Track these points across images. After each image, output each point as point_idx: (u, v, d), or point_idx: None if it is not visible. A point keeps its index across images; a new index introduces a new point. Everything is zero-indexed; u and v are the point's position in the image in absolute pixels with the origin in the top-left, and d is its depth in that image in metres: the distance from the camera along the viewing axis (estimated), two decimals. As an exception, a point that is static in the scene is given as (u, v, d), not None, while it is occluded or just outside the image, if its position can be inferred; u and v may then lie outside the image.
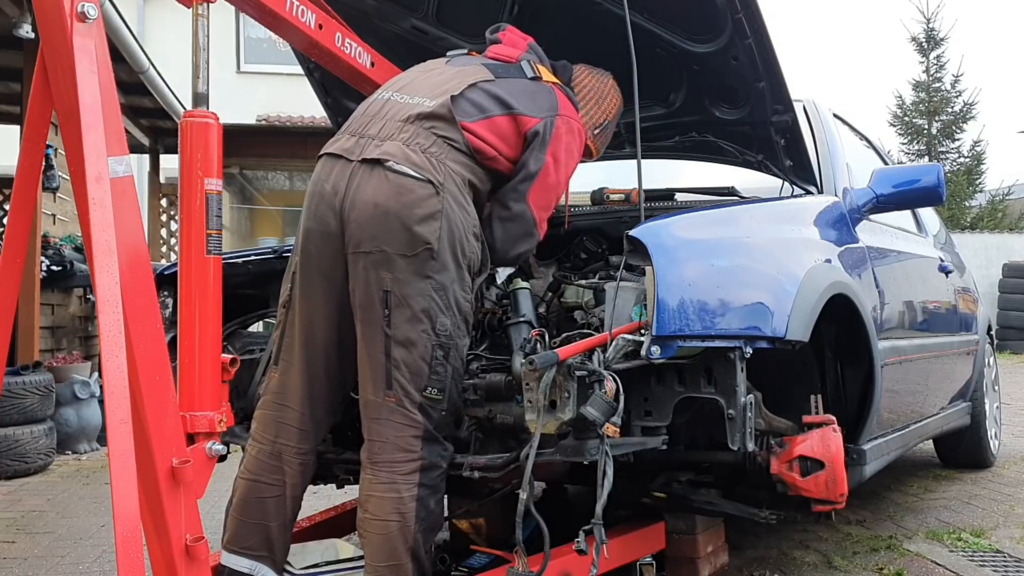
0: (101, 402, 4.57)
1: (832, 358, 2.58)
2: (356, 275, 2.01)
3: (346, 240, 2.01)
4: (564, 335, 2.29)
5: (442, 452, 2.03)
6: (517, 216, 2.19)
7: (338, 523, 2.87)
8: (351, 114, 2.25)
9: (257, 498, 2.12)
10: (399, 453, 1.98)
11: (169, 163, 8.56)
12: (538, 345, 2.05)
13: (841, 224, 2.76)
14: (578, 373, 1.92)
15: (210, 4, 1.85)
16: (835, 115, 3.41)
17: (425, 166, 2.01)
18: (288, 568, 2.42)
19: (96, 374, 5.66)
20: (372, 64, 2.42)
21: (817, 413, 2.17)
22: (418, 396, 1.98)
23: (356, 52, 2.35)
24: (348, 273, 2.03)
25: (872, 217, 3.05)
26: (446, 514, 2.73)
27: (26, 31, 5.12)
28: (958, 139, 17.22)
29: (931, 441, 4.26)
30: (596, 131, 2.49)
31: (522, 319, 2.36)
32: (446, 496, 2.92)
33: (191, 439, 1.70)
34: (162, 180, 9.24)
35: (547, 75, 2.33)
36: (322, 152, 2.13)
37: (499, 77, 2.22)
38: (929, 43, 17.18)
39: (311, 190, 2.11)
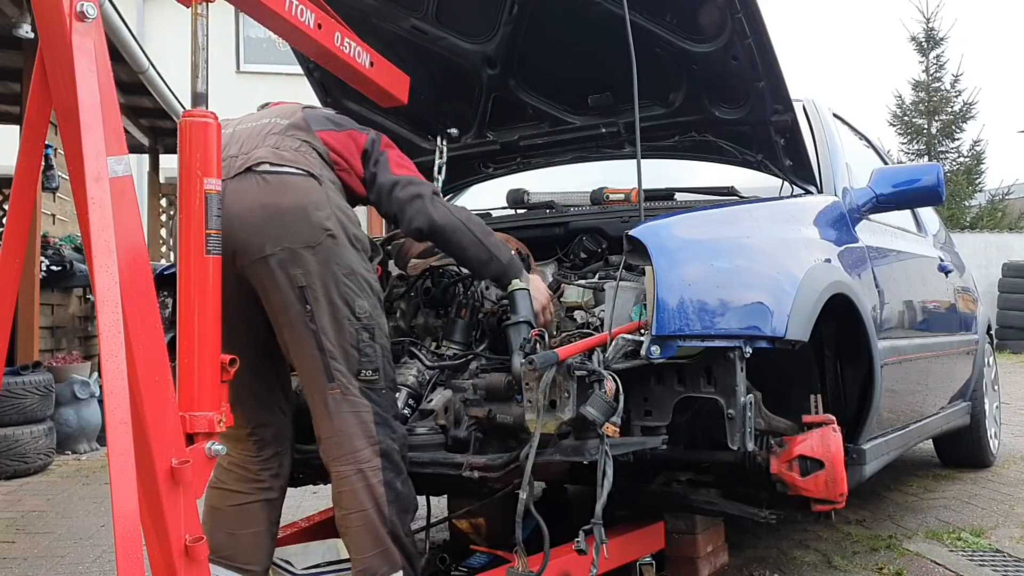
0: (101, 402, 4.57)
1: (832, 358, 2.57)
2: (265, 282, 2.00)
3: (236, 254, 2.00)
4: (564, 335, 2.30)
5: (392, 434, 2.06)
6: (399, 179, 2.20)
7: (338, 523, 2.86)
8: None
9: (231, 506, 2.18)
10: (357, 441, 2.02)
11: (169, 163, 8.55)
12: (538, 345, 2.05)
13: (841, 224, 2.76)
14: (578, 373, 1.92)
15: (209, 4, 1.84)
16: (835, 115, 3.41)
17: (300, 161, 2.06)
18: (289, 568, 2.42)
19: (96, 374, 5.65)
20: (371, 64, 2.41)
21: (817, 413, 2.17)
22: (356, 381, 2.02)
23: (355, 52, 2.34)
24: (240, 287, 2.03)
25: (872, 217, 3.05)
26: (446, 513, 2.73)
27: (25, 31, 5.11)
28: (958, 139, 17.22)
29: (931, 441, 4.26)
30: None
31: (521, 319, 2.36)
32: (446, 496, 2.93)
33: (190, 439, 1.70)
34: (162, 180, 9.24)
35: None
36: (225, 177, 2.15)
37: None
38: (929, 43, 17.17)
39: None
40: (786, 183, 2.88)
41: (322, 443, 2.07)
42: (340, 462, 2.03)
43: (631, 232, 1.98)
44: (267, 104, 2.46)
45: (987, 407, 4.37)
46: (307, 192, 2.03)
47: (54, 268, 5.97)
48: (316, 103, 3.28)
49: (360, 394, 2.02)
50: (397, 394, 2.38)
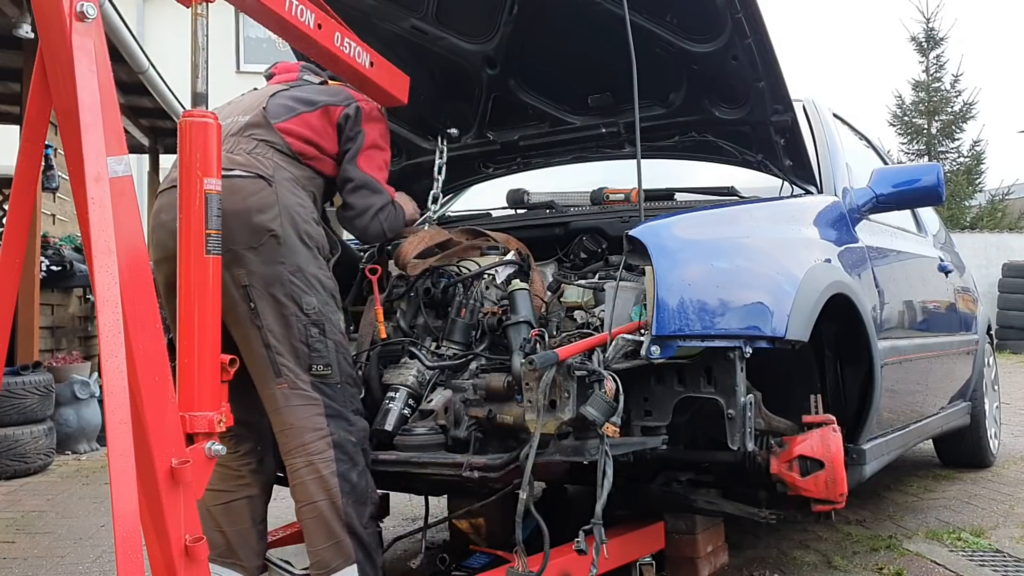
0: (101, 402, 4.56)
1: (832, 358, 2.57)
2: None
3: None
4: (564, 335, 2.30)
5: (348, 427, 2.10)
6: (359, 181, 2.30)
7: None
8: None
9: (215, 505, 2.19)
10: (308, 435, 2.06)
11: (169, 163, 8.55)
12: (538, 345, 2.05)
13: (841, 224, 2.76)
14: (578, 373, 1.91)
15: (209, 4, 1.84)
16: (835, 115, 3.41)
17: (251, 164, 2.13)
18: (289, 568, 2.43)
19: (96, 374, 5.65)
20: (371, 64, 2.41)
21: (817, 413, 2.17)
22: (307, 376, 2.07)
23: (355, 52, 2.34)
24: None
25: (872, 217, 3.05)
26: (446, 513, 2.73)
27: (26, 31, 5.11)
28: (958, 139, 17.22)
29: (931, 441, 4.26)
30: None
31: (521, 319, 2.36)
32: (446, 496, 2.93)
33: (190, 439, 1.70)
34: (161, 180, 9.23)
35: (332, 81, 2.46)
36: (158, 191, 2.27)
37: (293, 87, 2.36)
38: (929, 43, 17.17)
39: (152, 224, 2.21)
40: (786, 183, 2.88)
41: (277, 438, 2.12)
42: (292, 455, 2.08)
43: (631, 232, 1.98)
44: (272, 74, 2.52)
45: (987, 407, 4.37)
46: (251, 195, 2.08)
47: (54, 268, 5.96)
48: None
49: (312, 388, 2.07)
50: (395, 394, 2.39)
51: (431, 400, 2.37)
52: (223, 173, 2.03)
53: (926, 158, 16.77)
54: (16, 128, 5.22)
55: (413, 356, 2.48)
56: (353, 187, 2.30)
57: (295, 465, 2.07)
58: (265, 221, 2.07)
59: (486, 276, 2.63)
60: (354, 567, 2.03)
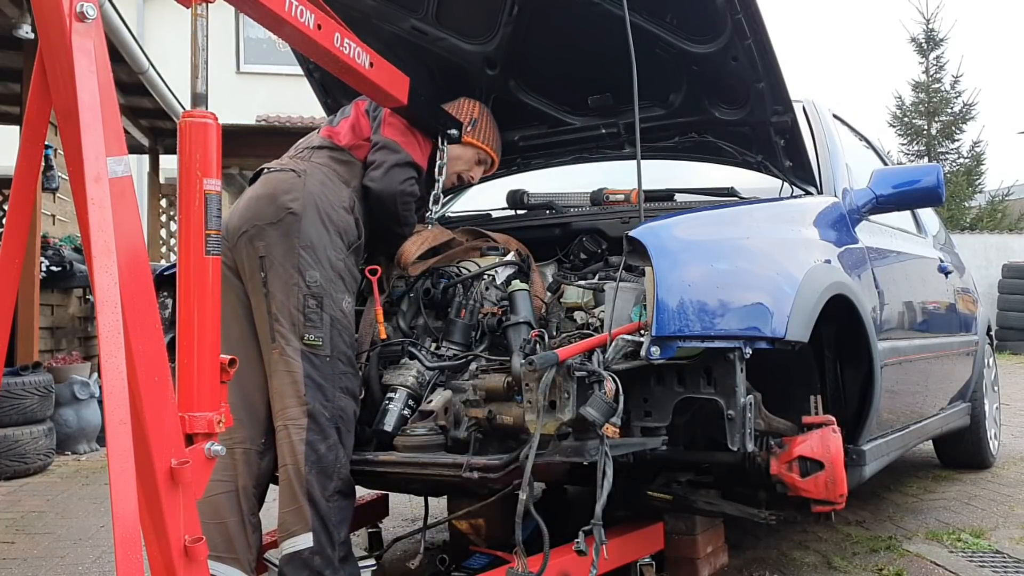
0: (100, 403, 4.56)
1: (832, 358, 2.57)
2: (242, 255, 2.29)
3: (229, 238, 2.28)
4: (564, 335, 2.30)
5: (324, 400, 2.17)
6: (381, 143, 2.51)
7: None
8: None
9: (207, 497, 2.17)
10: (287, 399, 2.17)
11: (169, 163, 8.57)
12: (538, 346, 2.05)
13: (841, 225, 2.76)
14: (578, 373, 1.91)
15: (209, 4, 1.84)
16: (835, 115, 3.41)
17: (288, 163, 2.43)
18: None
19: (95, 375, 5.65)
20: (371, 64, 2.41)
21: (817, 414, 2.17)
22: (298, 343, 2.18)
23: (355, 53, 2.34)
24: (227, 279, 2.23)
25: (872, 218, 3.05)
26: (446, 514, 2.72)
27: (26, 31, 5.12)
28: (958, 140, 17.23)
29: (931, 441, 4.26)
30: None
31: (521, 320, 2.36)
32: (446, 496, 2.93)
33: (190, 440, 1.70)
34: (162, 180, 9.24)
35: None
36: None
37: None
38: (929, 44, 17.18)
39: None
40: (786, 184, 2.88)
41: (270, 402, 2.25)
42: (276, 418, 2.20)
43: (631, 233, 1.98)
44: None
45: (987, 408, 4.37)
46: (280, 183, 2.34)
47: (54, 268, 5.96)
48: (316, 103, 3.28)
49: (299, 356, 2.17)
50: (395, 394, 2.38)
51: (431, 401, 2.37)
52: (269, 170, 2.41)
53: (926, 159, 16.78)
54: (16, 128, 5.22)
55: (413, 357, 2.48)
56: (377, 148, 2.51)
57: (277, 428, 2.19)
58: (287, 201, 2.28)
59: (486, 277, 2.63)
60: (310, 535, 2.11)
